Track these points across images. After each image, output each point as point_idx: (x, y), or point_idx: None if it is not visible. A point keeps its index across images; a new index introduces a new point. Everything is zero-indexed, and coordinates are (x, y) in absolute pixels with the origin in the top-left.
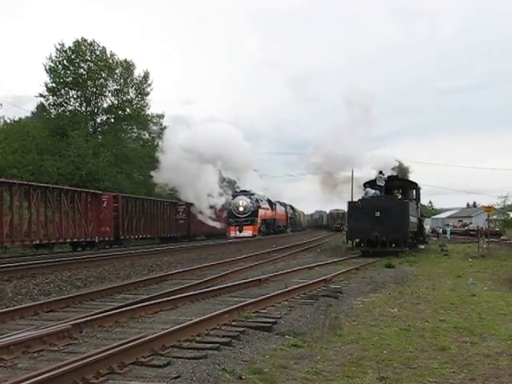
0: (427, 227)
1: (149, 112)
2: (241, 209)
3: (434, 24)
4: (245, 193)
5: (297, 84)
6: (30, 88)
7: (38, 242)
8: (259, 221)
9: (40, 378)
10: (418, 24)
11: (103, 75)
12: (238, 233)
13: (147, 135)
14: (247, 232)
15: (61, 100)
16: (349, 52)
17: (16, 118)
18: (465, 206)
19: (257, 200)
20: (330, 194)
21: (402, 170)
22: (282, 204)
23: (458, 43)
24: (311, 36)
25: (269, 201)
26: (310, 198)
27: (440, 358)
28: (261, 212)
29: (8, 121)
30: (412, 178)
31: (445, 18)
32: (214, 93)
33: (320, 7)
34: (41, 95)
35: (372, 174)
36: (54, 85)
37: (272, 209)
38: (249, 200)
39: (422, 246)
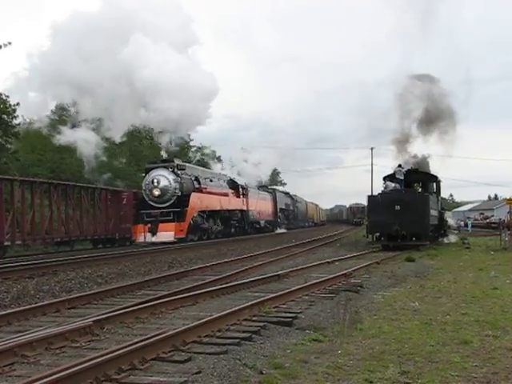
0: (450, 220)
1: None
2: (156, 192)
3: (452, 12)
4: (167, 164)
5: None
6: None
7: (58, 239)
8: (194, 214)
9: (62, 374)
10: (436, 13)
11: None
12: (148, 235)
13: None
14: (166, 233)
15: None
16: (364, 42)
17: (35, 117)
18: (486, 198)
19: (196, 179)
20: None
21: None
22: (265, 189)
23: (478, 33)
24: (326, 29)
25: (232, 182)
26: (329, 192)
27: (462, 352)
28: (197, 198)
29: (28, 120)
30: (432, 170)
31: (464, 7)
32: (232, 89)
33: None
34: None
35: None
36: None
37: (238, 195)
38: (172, 177)
39: (453, 239)
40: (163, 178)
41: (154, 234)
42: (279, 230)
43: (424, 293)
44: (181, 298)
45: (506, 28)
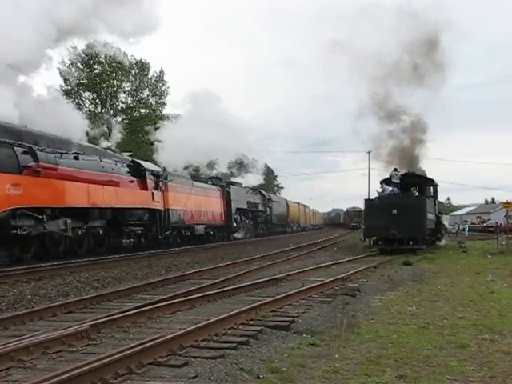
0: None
1: (165, 112)
2: None
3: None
4: None
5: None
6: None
7: None
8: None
9: (59, 378)
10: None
11: (118, 76)
12: None
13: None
14: None
15: (75, 102)
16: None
17: None
18: (483, 202)
19: (29, 151)
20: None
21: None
22: (216, 182)
23: (475, 38)
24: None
25: (135, 167)
26: (326, 196)
27: (459, 356)
28: (11, 184)
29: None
30: (429, 174)
31: (459, 12)
32: (229, 92)
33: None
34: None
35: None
36: (68, 87)
37: (145, 186)
38: None
39: (444, 242)
40: None
41: None
42: (238, 237)
43: (421, 297)
44: (178, 302)
45: (502, 33)
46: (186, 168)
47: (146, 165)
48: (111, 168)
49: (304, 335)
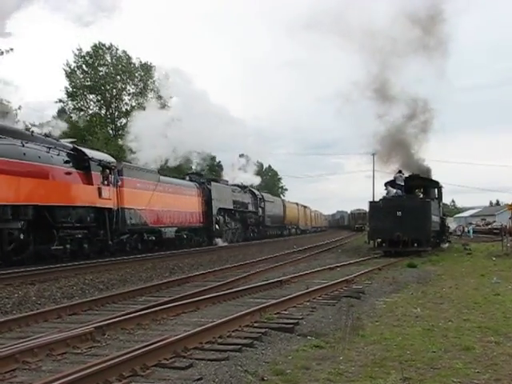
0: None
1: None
2: None
3: (452, 20)
4: None
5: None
6: (54, 93)
7: None
8: None
9: (64, 380)
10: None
11: (122, 78)
12: None
13: None
14: None
15: (80, 104)
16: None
17: (37, 123)
18: (488, 204)
19: None
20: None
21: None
22: (194, 178)
23: (478, 40)
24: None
25: (77, 156)
26: (330, 198)
27: (464, 358)
28: None
29: (29, 125)
30: (433, 176)
31: (463, 14)
32: (233, 94)
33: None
34: (60, 101)
35: None
36: (74, 89)
37: (89, 181)
38: None
39: (446, 245)
40: None
41: None
42: (220, 243)
43: (426, 299)
44: (182, 304)
45: (505, 34)
46: (171, 167)
47: (93, 154)
48: (37, 156)
49: (308, 337)
